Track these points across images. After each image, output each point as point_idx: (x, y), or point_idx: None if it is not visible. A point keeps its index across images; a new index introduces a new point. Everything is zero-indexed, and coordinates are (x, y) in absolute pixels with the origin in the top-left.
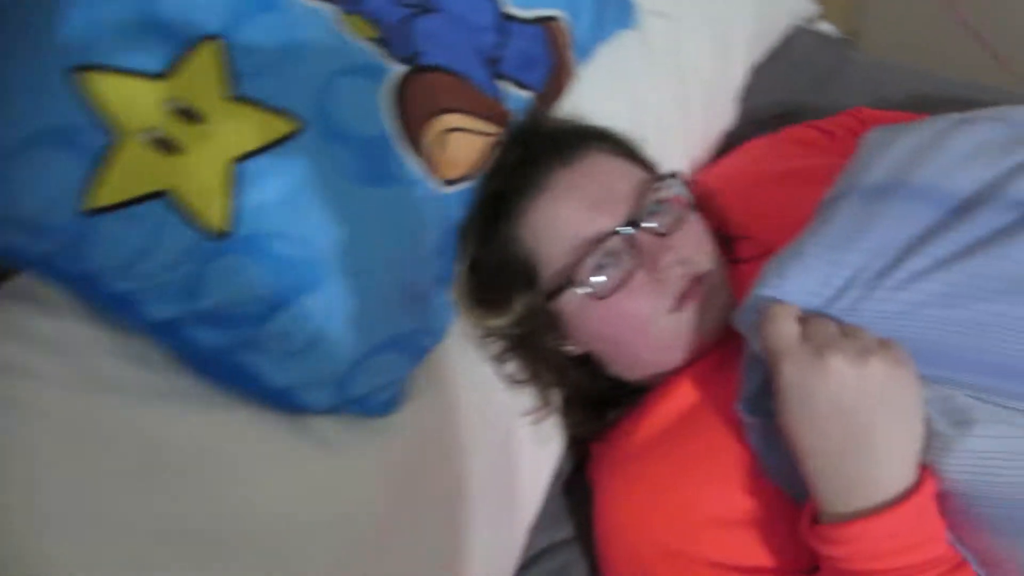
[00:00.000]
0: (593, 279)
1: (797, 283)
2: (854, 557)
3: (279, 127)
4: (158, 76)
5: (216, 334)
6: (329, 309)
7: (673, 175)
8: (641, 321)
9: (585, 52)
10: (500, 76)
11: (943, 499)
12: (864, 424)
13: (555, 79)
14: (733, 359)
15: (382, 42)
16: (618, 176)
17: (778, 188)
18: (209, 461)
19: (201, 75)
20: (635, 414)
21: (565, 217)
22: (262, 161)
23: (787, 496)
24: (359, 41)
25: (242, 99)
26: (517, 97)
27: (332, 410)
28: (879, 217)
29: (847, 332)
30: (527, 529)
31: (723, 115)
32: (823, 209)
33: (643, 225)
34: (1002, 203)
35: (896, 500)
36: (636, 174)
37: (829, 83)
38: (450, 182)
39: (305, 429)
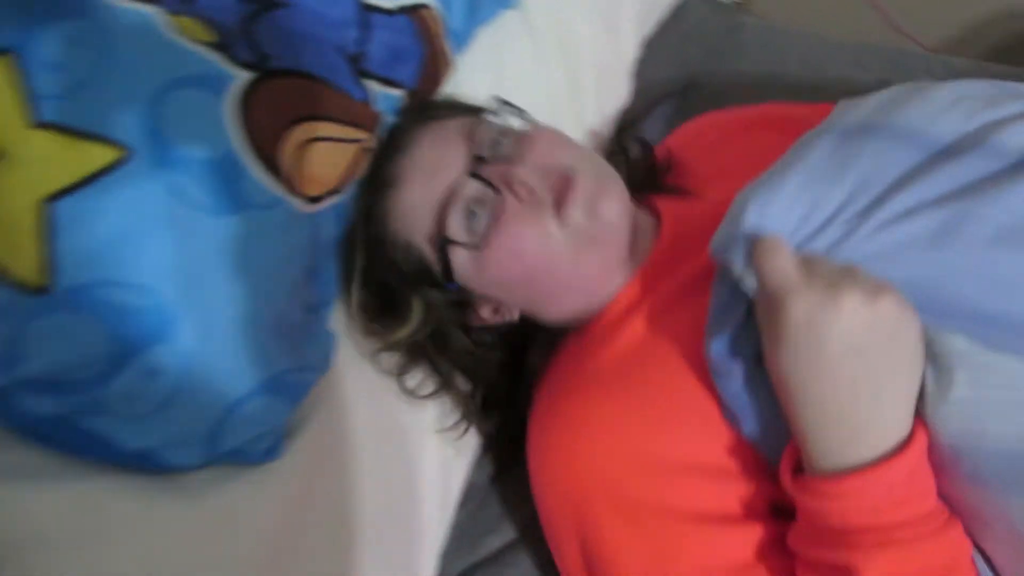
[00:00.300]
0: (465, 233)
1: (779, 216)
2: (848, 512)
3: (98, 156)
4: None
5: (52, 401)
6: (183, 360)
7: (495, 102)
8: (534, 245)
9: (463, 38)
10: (365, 75)
11: (929, 453)
12: (876, 367)
13: (430, 72)
14: (691, 288)
15: (221, 46)
16: (444, 136)
17: (745, 136)
18: (60, 541)
19: None
20: (583, 345)
21: (415, 196)
22: (81, 198)
23: (746, 443)
24: (193, 46)
25: (48, 126)
26: (387, 96)
27: (206, 466)
28: (860, 154)
29: (847, 271)
30: (437, 555)
31: (617, 92)
32: (800, 146)
33: (485, 157)
34: (989, 151)
35: (893, 451)
36: (463, 124)
37: (724, 52)
38: (315, 199)
39: (172, 487)
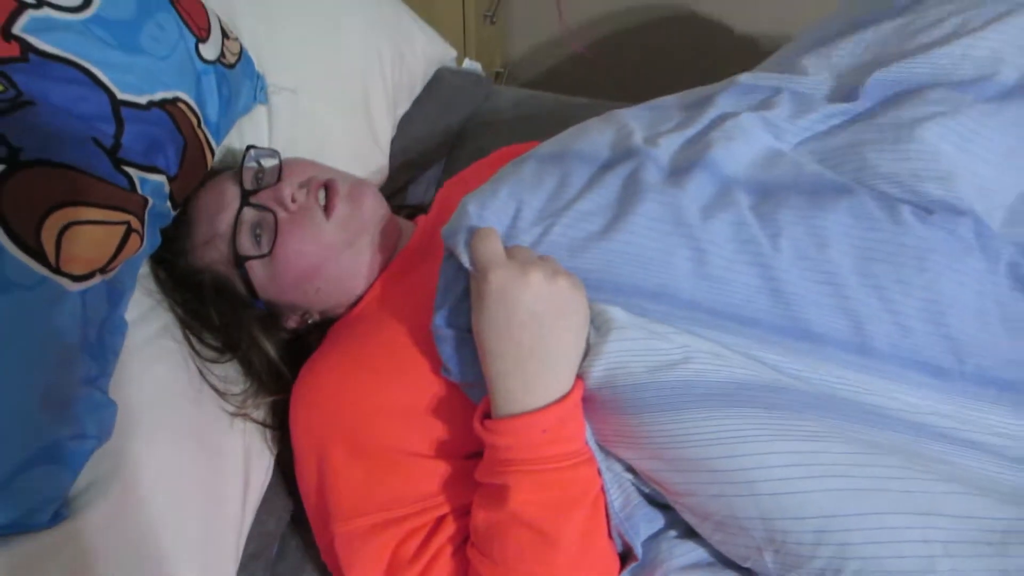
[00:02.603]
0: (255, 247)
1: (494, 214)
2: (511, 447)
3: None
4: None
5: None
6: None
7: (250, 147)
8: (312, 242)
9: (220, 129)
10: (127, 163)
11: (589, 400)
12: (548, 330)
13: (192, 157)
14: (415, 267)
15: None
16: (215, 185)
17: (495, 167)
18: None
19: None
20: (342, 322)
21: (205, 232)
22: None
23: (458, 394)
24: None
25: None
26: (149, 181)
27: None
28: (553, 172)
29: (541, 257)
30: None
31: (373, 168)
32: (511, 165)
33: (253, 189)
34: (646, 161)
35: (552, 402)
36: (228, 174)
37: (482, 115)
38: (82, 277)
39: None
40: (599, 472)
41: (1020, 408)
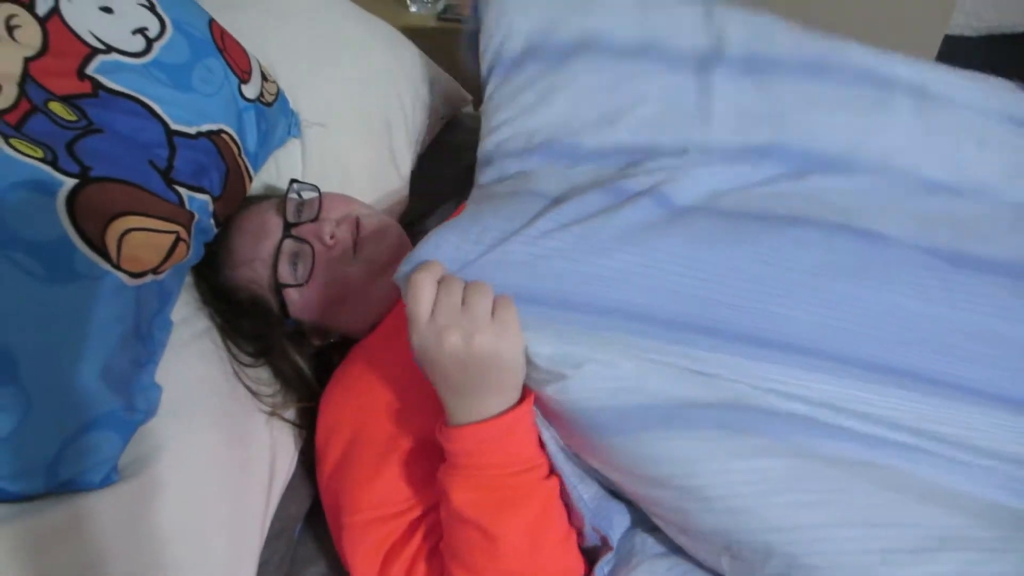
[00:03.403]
0: (293, 276)
1: (450, 244)
2: (458, 452)
3: None
4: None
5: None
6: (24, 399)
7: (293, 181)
8: (340, 279)
9: (258, 159)
10: (175, 183)
11: (554, 414)
12: (474, 376)
13: (233, 181)
14: None
15: (50, 161)
16: (259, 212)
17: None
18: None
19: None
20: (364, 340)
21: (247, 256)
22: None
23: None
24: (26, 160)
25: None
26: (196, 199)
27: (46, 494)
28: (509, 204)
29: (470, 296)
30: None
31: (394, 198)
32: (469, 204)
33: (295, 222)
34: (605, 189)
35: (492, 417)
36: (272, 203)
37: None
38: (137, 275)
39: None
40: (560, 477)
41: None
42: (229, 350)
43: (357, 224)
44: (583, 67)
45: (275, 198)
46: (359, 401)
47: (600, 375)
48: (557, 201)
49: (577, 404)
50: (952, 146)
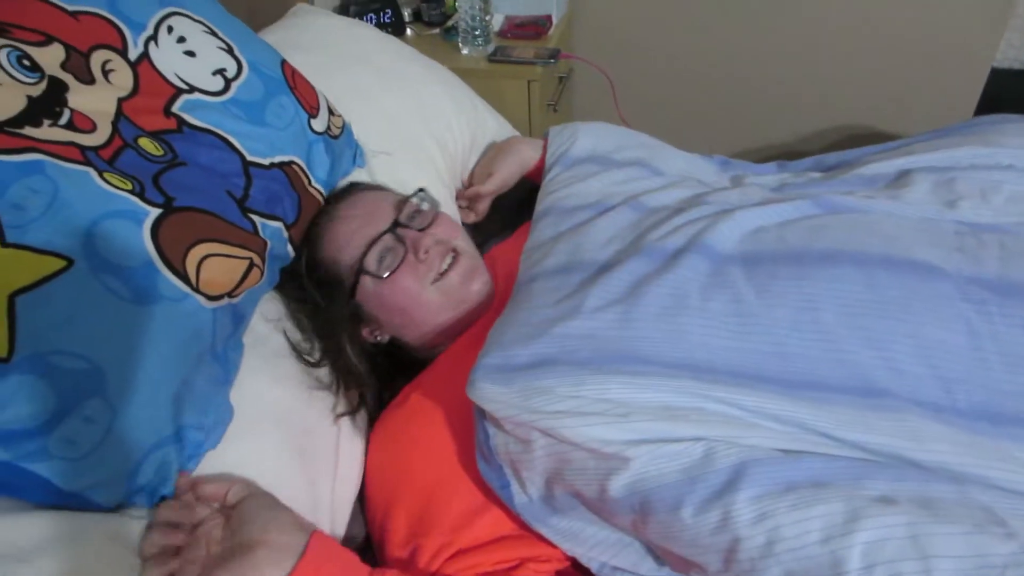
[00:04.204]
0: (377, 267)
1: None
2: None
3: (51, 265)
4: None
5: (3, 450)
6: (111, 411)
7: (421, 190)
8: (413, 291)
9: (327, 186)
10: (250, 211)
11: (622, 505)
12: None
13: (304, 208)
14: (472, 347)
15: (138, 192)
16: (380, 199)
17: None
18: None
19: None
20: (420, 380)
21: (348, 232)
22: (38, 293)
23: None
24: (117, 192)
25: (13, 245)
26: (269, 226)
27: (121, 504)
28: (568, 285)
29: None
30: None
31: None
32: (520, 289)
33: (404, 223)
34: (645, 255)
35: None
36: (393, 195)
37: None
38: (214, 298)
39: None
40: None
41: (1018, 441)
42: (300, 356)
43: (454, 254)
44: (636, 173)
45: (394, 193)
46: (393, 458)
47: (667, 452)
48: (602, 270)
49: (647, 483)
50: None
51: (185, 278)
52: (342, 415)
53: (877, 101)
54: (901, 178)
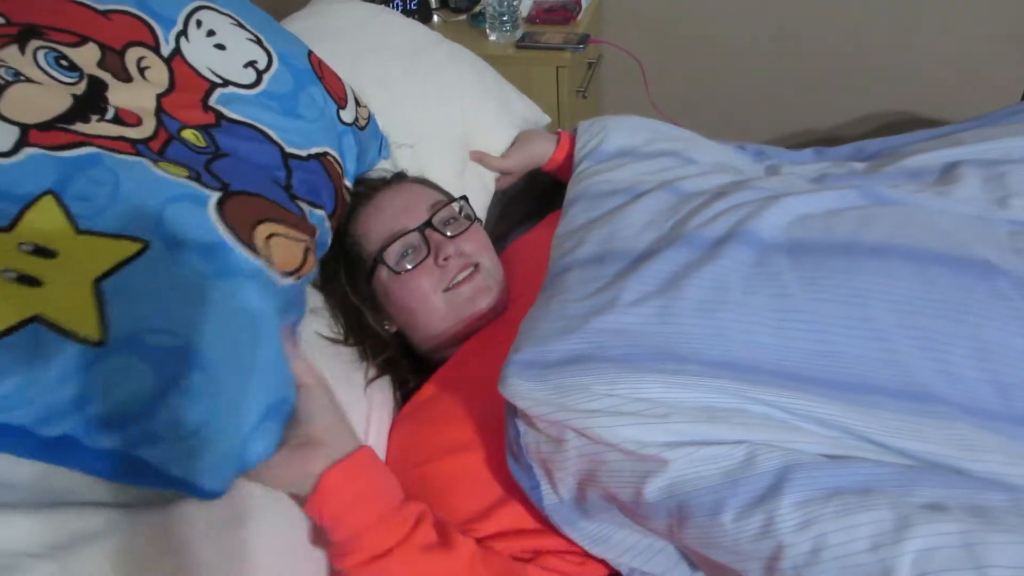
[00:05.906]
0: (396, 261)
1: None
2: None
3: (128, 248)
4: (2, 230)
5: (111, 437)
6: (212, 385)
7: (462, 198)
8: (422, 294)
9: (352, 179)
10: (296, 198)
11: (658, 508)
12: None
13: (340, 200)
14: (496, 342)
15: (194, 178)
16: (420, 195)
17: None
18: None
19: (46, 220)
20: (433, 381)
21: (380, 220)
22: (121, 275)
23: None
24: (176, 178)
25: (89, 232)
26: (315, 215)
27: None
28: (603, 276)
29: None
30: None
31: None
32: (552, 280)
33: (434, 226)
34: (684, 245)
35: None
36: (435, 196)
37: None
38: (286, 274)
39: None
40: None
41: None
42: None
43: (473, 268)
44: (670, 162)
45: (436, 193)
46: (419, 439)
47: (706, 455)
48: (639, 260)
49: (687, 486)
50: None
51: (257, 254)
52: (372, 380)
53: (921, 86)
54: (948, 172)
